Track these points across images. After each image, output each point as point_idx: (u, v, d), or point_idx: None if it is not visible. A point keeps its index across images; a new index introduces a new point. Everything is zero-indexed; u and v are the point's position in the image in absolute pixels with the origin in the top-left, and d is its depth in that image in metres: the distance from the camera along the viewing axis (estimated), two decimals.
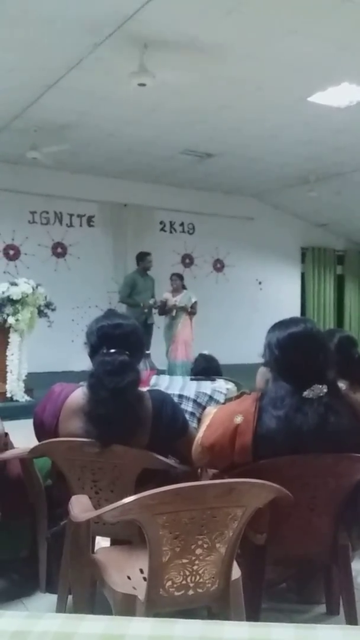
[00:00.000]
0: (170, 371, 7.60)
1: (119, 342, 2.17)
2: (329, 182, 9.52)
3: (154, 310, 8.44)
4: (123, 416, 2.07)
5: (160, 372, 6.21)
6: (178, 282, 8.33)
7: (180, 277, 8.51)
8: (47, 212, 9.59)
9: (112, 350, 2.15)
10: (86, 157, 8.82)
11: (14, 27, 5.00)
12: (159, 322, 9.05)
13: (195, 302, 8.21)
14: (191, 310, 8.16)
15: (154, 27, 4.94)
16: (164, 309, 8.25)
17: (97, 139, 8.00)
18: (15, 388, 6.54)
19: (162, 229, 10.71)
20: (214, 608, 1.80)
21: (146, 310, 8.10)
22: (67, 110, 6.95)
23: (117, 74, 5.60)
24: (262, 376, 2.16)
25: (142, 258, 8.49)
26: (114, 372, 2.09)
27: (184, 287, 8.36)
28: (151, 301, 8.24)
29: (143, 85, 5.32)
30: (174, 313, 8.12)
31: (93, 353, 2.21)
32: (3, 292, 6.38)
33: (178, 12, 4.76)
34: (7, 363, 6.53)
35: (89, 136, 7.87)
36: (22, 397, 6.56)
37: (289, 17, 4.77)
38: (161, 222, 10.68)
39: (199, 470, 2.32)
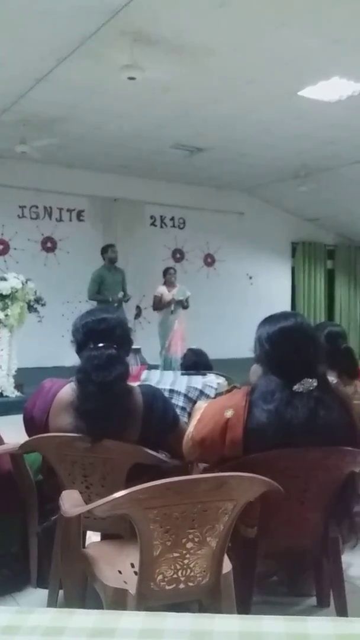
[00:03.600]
0: (168, 366, 7.52)
1: (105, 337, 2.17)
2: (319, 176, 9.53)
3: (144, 309, 8.36)
4: (112, 410, 2.08)
5: (151, 367, 6.22)
6: (176, 276, 8.26)
7: (175, 270, 8.45)
8: (37, 207, 9.54)
9: (100, 345, 2.15)
10: (76, 151, 8.78)
11: (3, 20, 4.95)
12: (151, 317, 9.04)
13: (189, 296, 8.19)
14: (186, 305, 8.13)
15: (144, 20, 4.91)
16: (160, 304, 8.15)
17: (86, 132, 7.95)
18: (5, 384, 6.52)
19: (153, 224, 10.69)
20: (205, 601, 1.81)
21: (116, 305, 7.86)
22: (56, 104, 6.90)
23: (107, 67, 5.57)
24: (256, 374, 2.16)
25: (106, 250, 8.33)
26: (102, 366, 2.09)
27: None
28: (120, 295, 8.06)
29: (133, 78, 5.30)
30: (172, 308, 8.03)
31: (80, 350, 2.21)
32: None
33: (168, 5, 4.73)
34: None
35: (79, 130, 7.83)
36: (12, 392, 6.54)
37: (280, 11, 4.76)
38: (151, 217, 10.65)
39: (190, 465, 2.32)
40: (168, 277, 8.26)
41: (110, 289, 8.09)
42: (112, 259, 8.27)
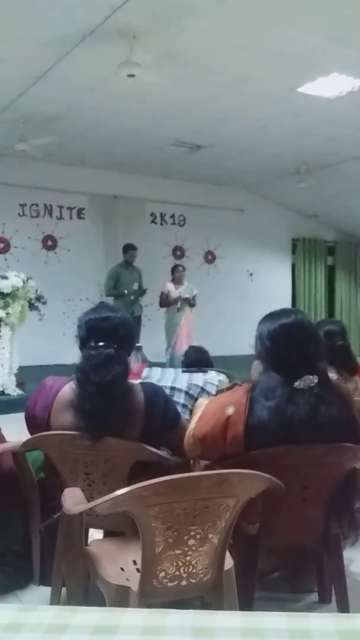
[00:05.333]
0: (173, 364, 7.51)
1: (106, 335, 2.17)
2: (319, 173, 9.52)
3: (144, 307, 8.36)
4: (110, 410, 2.08)
5: (152, 365, 6.22)
6: (184, 273, 8.27)
7: (184, 268, 8.47)
8: (37, 205, 9.54)
9: (100, 344, 2.15)
10: (75, 149, 8.77)
11: (2, 18, 4.95)
12: (152, 314, 9.04)
13: (196, 295, 8.19)
14: (192, 303, 8.12)
15: (143, 17, 4.90)
16: (166, 301, 8.16)
17: (86, 130, 7.95)
18: (6, 382, 6.53)
19: (153, 221, 10.68)
20: (207, 598, 1.81)
21: (132, 298, 7.94)
22: (56, 102, 6.90)
23: (106, 65, 5.56)
24: (257, 370, 2.16)
25: (126, 250, 8.46)
26: (100, 365, 2.09)
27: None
28: (135, 286, 8.11)
29: (132, 76, 5.29)
30: (179, 305, 8.03)
31: (82, 346, 2.21)
32: None
33: (166, 2, 4.73)
34: None
35: (78, 128, 7.82)
36: (13, 390, 6.54)
37: (279, 7, 4.75)
38: (152, 214, 10.64)
39: (191, 462, 2.32)
40: (176, 274, 8.25)
41: (126, 286, 8.20)
42: (129, 262, 8.42)
